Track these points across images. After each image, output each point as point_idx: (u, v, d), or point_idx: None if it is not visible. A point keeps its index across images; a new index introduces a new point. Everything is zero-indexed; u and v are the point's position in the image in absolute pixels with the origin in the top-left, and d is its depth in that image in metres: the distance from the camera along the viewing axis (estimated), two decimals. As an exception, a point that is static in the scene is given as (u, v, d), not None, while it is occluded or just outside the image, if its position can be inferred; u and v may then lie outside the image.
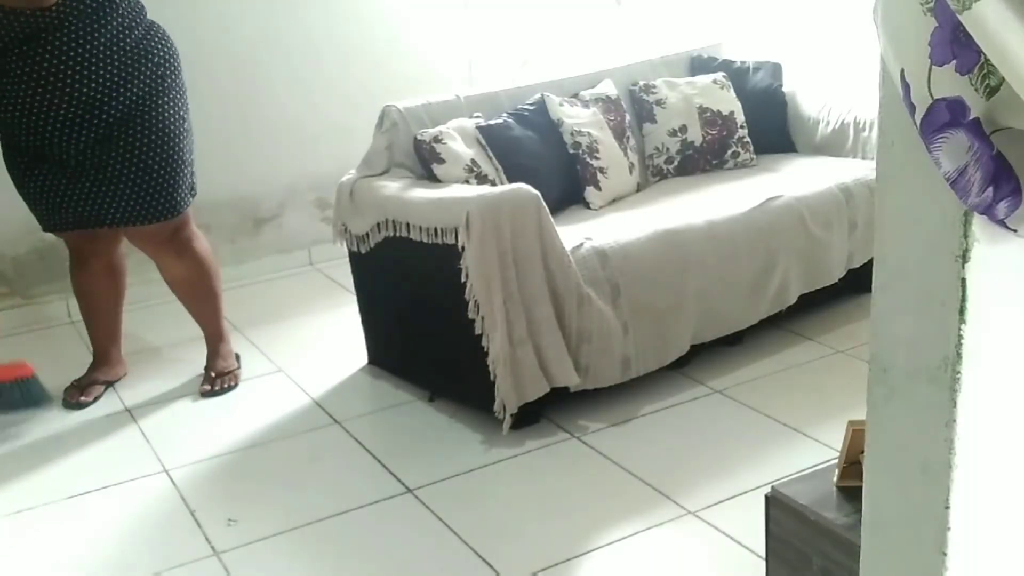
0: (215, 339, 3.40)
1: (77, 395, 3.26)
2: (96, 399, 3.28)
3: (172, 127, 3.01)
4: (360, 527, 2.50)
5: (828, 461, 2.05)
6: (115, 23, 2.86)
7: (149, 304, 4.17)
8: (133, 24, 2.92)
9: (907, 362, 1.02)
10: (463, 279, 2.76)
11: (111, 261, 3.33)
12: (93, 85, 2.85)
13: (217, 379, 3.32)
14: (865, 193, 3.39)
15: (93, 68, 2.84)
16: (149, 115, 2.96)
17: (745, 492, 2.50)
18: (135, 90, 2.92)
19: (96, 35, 2.82)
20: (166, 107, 2.99)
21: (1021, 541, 1.03)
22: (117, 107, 2.90)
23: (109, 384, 3.38)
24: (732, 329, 3.23)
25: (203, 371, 3.37)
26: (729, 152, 3.73)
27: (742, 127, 3.75)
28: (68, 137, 2.90)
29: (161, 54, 2.99)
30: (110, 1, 2.84)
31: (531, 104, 3.45)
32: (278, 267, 4.49)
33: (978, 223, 0.91)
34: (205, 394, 3.27)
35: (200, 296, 3.35)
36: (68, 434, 3.10)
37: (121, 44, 2.88)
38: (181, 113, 3.06)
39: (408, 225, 2.95)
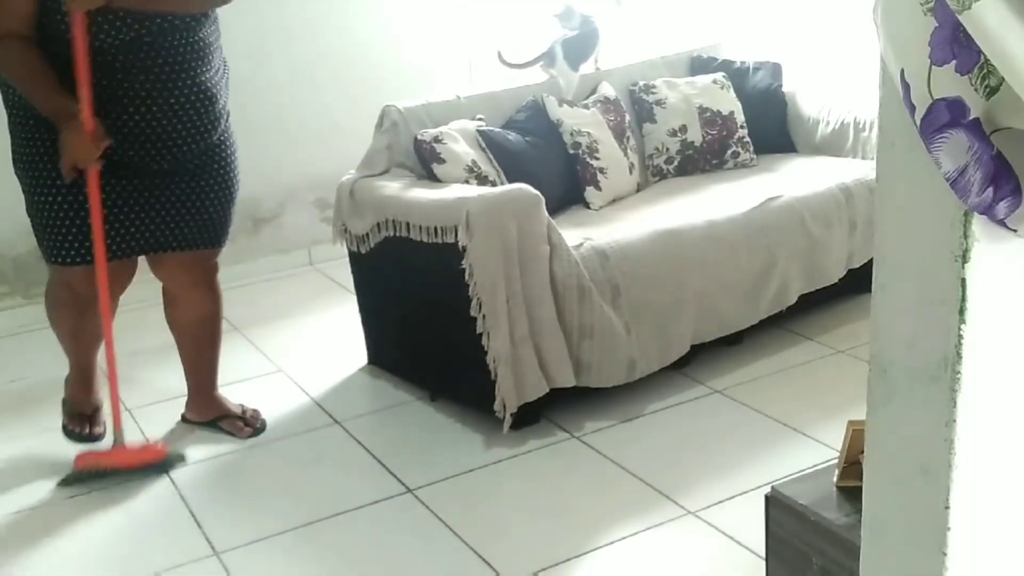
0: (213, 383, 3.12)
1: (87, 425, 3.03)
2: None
3: (237, 152, 2.90)
4: (360, 527, 2.50)
5: (828, 461, 2.05)
6: (212, 31, 2.74)
7: (148, 304, 4.17)
8: (218, 43, 2.79)
9: (907, 362, 1.02)
10: (466, 278, 2.76)
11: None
12: (207, 75, 2.68)
13: (250, 417, 3.07)
14: (865, 193, 3.39)
15: (203, 62, 2.67)
16: (231, 134, 2.85)
17: (745, 492, 2.50)
18: (226, 105, 2.80)
19: (199, 36, 2.66)
20: (233, 133, 2.88)
21: (1021, 541, 1.03)
22: (221, 110, 2.75)
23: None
24: (732, 329, 3.23)
25: (204, 419, 3.10)
26: (729, 152, 3.72)
27: (742, 127, 3.75)
28: (187, 130, 2.65)
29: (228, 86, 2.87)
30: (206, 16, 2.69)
31: (530, 105, 3.46)
32: (278, 267, 4.48)
33: (978, 223, 0.91)
34: (251, 435, 3.00)
35: (213, 336, 3.08)
36: (68, 434, 3.09)
37: (216, 52, 2.75)
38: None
39: (408, 225, 2.95)
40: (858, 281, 3.42)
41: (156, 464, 2.80)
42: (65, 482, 2.76)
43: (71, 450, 2.99)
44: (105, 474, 2.75)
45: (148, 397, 3.31)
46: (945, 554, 1.01)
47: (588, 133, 3.42)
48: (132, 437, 3.04)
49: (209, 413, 3.08)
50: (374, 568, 2.34)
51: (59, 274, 2.77)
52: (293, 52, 4.35)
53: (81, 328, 2.88)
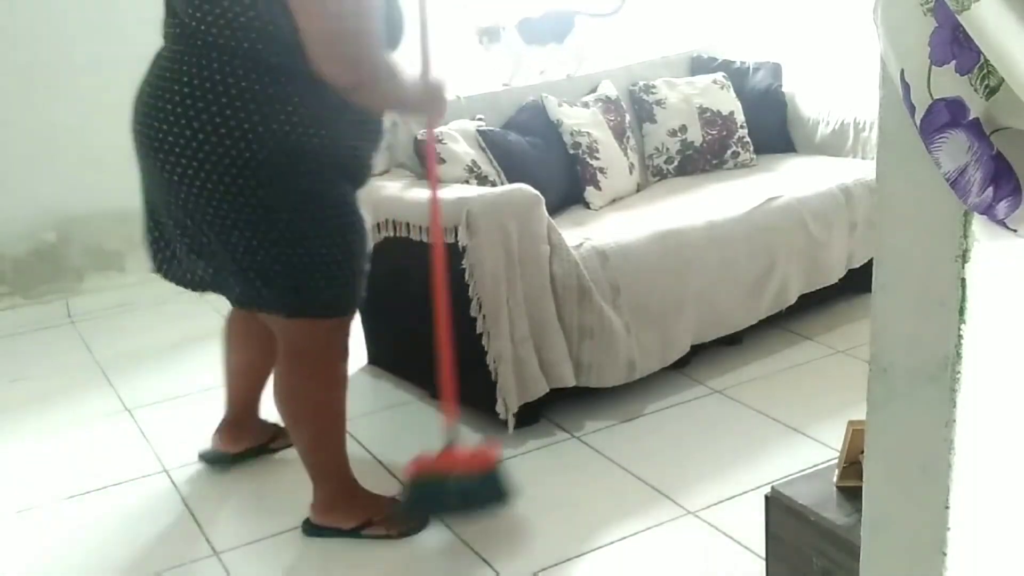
0: None
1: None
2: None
3: None
4: (360, 527, 2.50)
5: (828, 461, 2.05)
6: None
7: (148, 305, 4.17)
8: None
9: (907, 362, 1.02)
10: (466, 278, 2.76)
11: None
12: None
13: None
14: (865, 193, 3.39)
15: None
16: None
17: (745, 492, 2.50)
18: None
19: None
20: None
21: (1021, 541, 1.03)
22: None
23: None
24: (732, 329, 3.23)
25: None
26: (729, 152, 3.72)
27: (742, 127, 3.75)
28: None
29: None
30: None
31: (530, 105, 3.46)
32: (278, 267, 4.48)
33: (978, 223, 0.91)
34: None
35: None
36: (68, 434, 3.10)
37: None
38: None
39: (408, 225, 2.95)
40: (858, 281, 3.42)
41: (492, 475, 2.37)
42: (407, 506, 2.42)
43: (71, 451, 3.00)
44: (444, 489, 2.34)
45: (147, 397, 3.31)
46: (945, 554, 1.01)
47: (588, 133, 3.42)
48: (134, 437, 3.05)
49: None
50: (374, 568, 2.34)
51: (342, 323, 2.35)
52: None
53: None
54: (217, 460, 2.80)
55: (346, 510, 2.44)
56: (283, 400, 2.38)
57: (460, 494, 2.33)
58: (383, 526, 2.43)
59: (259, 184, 2.08)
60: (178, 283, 2.37)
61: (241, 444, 2.80)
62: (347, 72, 2.04)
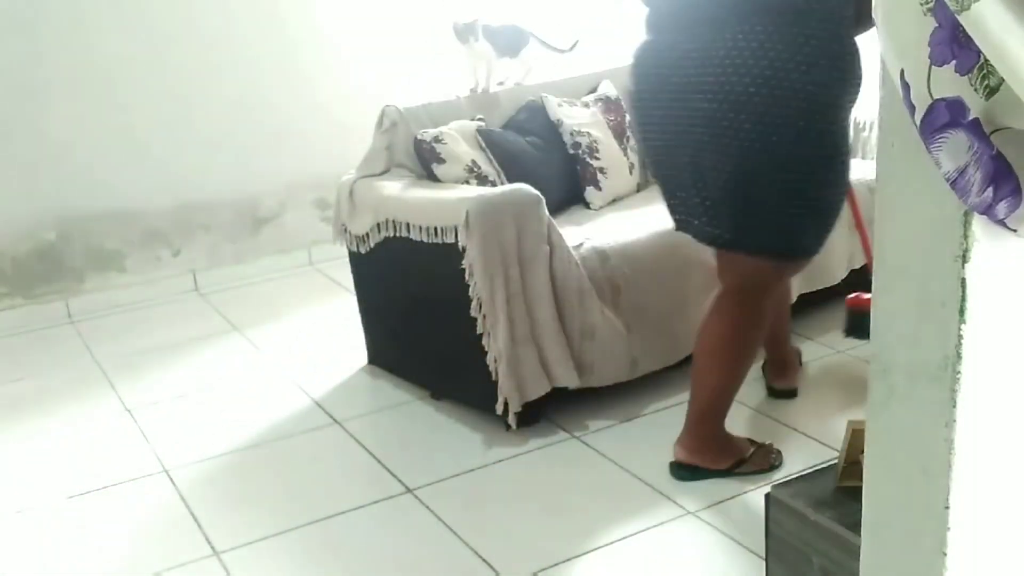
0: (694, 419, 2.60)
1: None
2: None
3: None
4: (360, 527, 2.50)
5: (828, 461, 2.05)
6: None
7: (148, 305, 4.17)
8: None
9: (907, 362, 1.02)
10: (466, 278, 2.76)
11: None
12: None
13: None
14: (865, 193, 3.38)
15: None
16: None
17: (745, 492, 2.50)
18: None
19: None
20: None
21: (1021, 541, 1.03)
22: None
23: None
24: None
25: None
26: (729, 152, 3.72)
27: (742, 127, 3.74)
28: None
29: None
30: None
31: (530, 105, 3.46)
32: (278, 267, 4.49)
33: (978, 223, 0.91)
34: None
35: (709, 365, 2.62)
36: (68, 434, 3.10)
37: None
38: None
39: (408, 225, 2.95)
40: (858, 281, 3.42)
41: None
42: (848, 332, 2.94)
43: (71, 451, 3.00)
44: None
45: (147, 397, 3.31)
46: (945, 554, 1.01)
47: (588, 133, 3.42)
48: (134, 437, 3.05)
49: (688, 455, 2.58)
50: (374, 568, 2.34)
51: (785, 270, 2.54)
52: (293, 52, 4.35)
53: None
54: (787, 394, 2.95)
55: (718, 452, 2.57)
56: (721, 334, 2.47)
57: None
58: (753, 464, 2.57)
59: (786, 123, 2.15)
60: (697, 238, 2.46)
61: (791, 379, 2.98)
62: None
